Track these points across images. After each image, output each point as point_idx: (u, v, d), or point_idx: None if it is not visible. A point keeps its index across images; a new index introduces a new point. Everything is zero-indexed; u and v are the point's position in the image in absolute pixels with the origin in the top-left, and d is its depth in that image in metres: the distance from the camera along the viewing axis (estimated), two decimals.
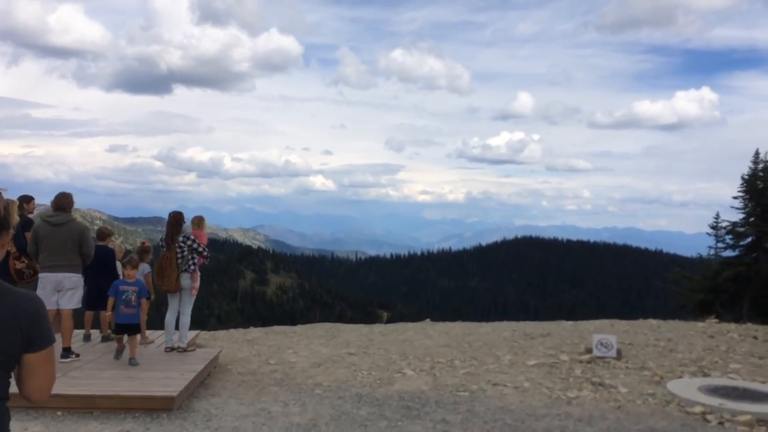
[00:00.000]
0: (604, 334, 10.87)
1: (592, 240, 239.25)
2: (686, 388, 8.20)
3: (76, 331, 9.58)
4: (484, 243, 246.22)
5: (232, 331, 12.92)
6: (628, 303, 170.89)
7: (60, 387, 6.87)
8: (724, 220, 27.05)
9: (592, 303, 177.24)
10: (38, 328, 2.43)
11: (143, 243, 11.01)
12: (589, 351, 10.19)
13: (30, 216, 9.46)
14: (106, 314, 9.61)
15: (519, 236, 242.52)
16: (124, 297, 8.53)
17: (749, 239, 26.26)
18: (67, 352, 8.59)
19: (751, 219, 25.92)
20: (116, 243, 10.92)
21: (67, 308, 8.54)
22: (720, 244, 27.54)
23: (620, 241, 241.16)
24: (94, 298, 9.73)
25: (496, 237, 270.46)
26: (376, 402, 7.67)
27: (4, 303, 2.37)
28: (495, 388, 8.34)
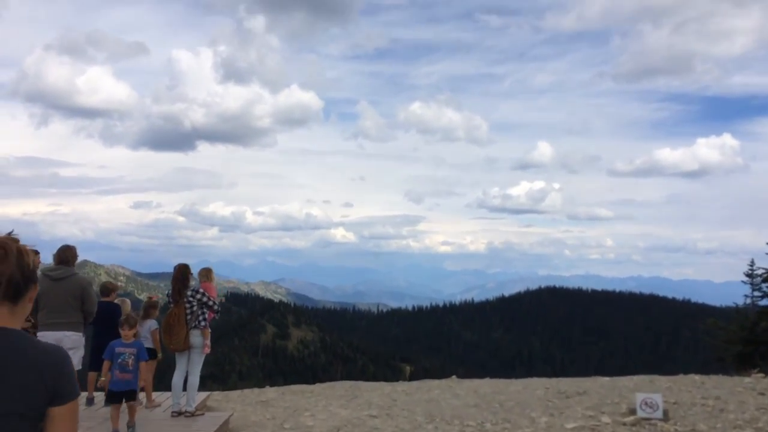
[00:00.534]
0: (646, 392, 10.02)
1: (617, 290, 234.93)
2: None
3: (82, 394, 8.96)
4: (506, 294, 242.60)
5: (246, 391, 12.19)
6: (657, 354, 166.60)
7: None
8: (759, 267, 25.99)
9: (619, 355, 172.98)
10: (63, 381, 2.49)
11: (150, 297, 10.33)
12: (632, 412, 9.30)
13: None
14: (101, 378, 8.85)
15: (542, 286, 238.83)
16: (120, 360, 7.70)
17: None
18: None
19: None
20: (126, 301, 10.27)
21: None
22: (756, 293, 26.43)
23: (646, 291, 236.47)
24: (98, 359, 9.13)
25: (519, 287, 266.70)
26: None
27: (27, 356, 2.47)
28: None
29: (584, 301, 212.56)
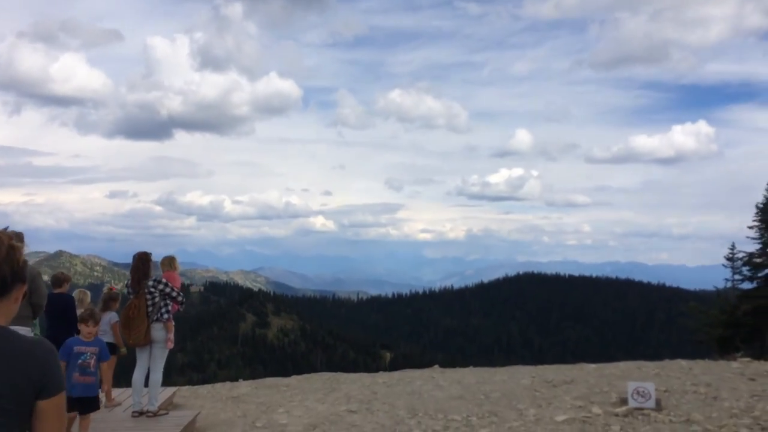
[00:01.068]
0: (634, 379, 9.58)
1: (594, 275, 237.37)
2: None
3: None
4: (485, 280, 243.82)
5: (217, 385, 11.48)
6: (633, 338, 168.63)
7: None
8: (740, 251, 25.89)
9: (596, 338, 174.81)
10: (50, 374, 2.49)
11: (110, 288, 9.36)
12: (624, 401, 8.84)
13: None
14: None
15: (521, 273, 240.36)
16: (80, 361, 6.58)
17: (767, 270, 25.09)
18: None
19: None
20: (87, 292, 9.37)
21: None
22: (737, 276, 26.36)
23: (623, 276, 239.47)
24: None
25: (498, 274, 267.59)
26: None
27: (14, 348, 2.46)
28: None
29: (562, 287, 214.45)
